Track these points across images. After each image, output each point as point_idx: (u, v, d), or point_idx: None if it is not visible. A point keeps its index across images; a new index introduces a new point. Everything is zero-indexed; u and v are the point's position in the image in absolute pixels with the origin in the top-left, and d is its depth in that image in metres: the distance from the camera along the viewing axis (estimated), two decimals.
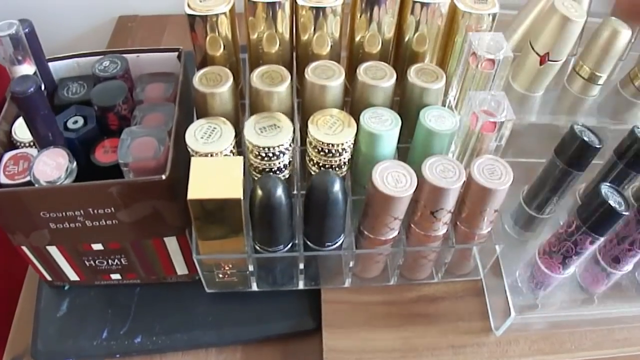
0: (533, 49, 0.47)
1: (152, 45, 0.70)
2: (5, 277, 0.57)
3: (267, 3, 0.39)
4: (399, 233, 0.43)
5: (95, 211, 0.39)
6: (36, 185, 0.38)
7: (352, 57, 0.44)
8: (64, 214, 0.39)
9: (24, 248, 0.43)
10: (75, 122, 0.43)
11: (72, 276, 0.47)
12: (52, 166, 0.39)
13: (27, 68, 0.42)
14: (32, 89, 0.37)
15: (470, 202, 0.41)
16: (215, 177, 0.36)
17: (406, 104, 0.43)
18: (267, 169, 0.40)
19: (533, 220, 0.50)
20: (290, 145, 0.39)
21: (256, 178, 0.40)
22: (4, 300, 0.52)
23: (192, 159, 0.37)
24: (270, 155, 0.39)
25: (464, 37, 0.44)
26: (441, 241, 0.44)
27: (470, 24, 0.42)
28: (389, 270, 0.48)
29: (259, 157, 0.39)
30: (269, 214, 0.38)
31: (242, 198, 0.35)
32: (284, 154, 0.39)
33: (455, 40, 0.44)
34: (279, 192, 0.37)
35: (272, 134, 0.38)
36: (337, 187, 0.37)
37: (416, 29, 0.42)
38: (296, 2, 0.39)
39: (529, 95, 0.51)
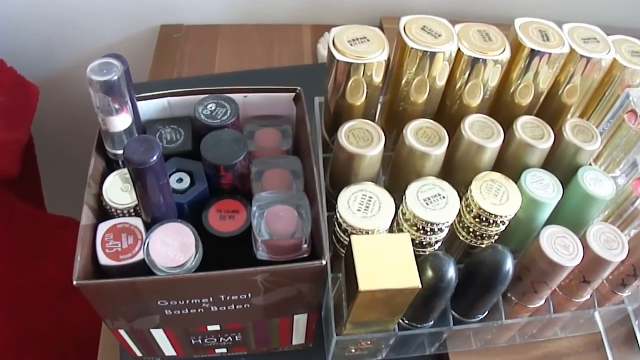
0: None
1: (205, 61, 0.62)
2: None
3: (426, 51, 0.33)
4: (545, 301, 0.39)
5: (228, 298, 0.33)
6: (159, 273, 0.31)
7: (498, 107, 0.39)
8: (187, 301, 0.33)
9: (121, 331, 0.36)
10: (180, 180, 0.36)
11: (169, 352, 0.40)
12: (175, 247, 0.32)
13: (125, 118, 0.34)
14: (154, 158, 0.29)
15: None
16: (383, 259, 0.31)
17: (555, 161, 0.38)
18: (417, 241, 0.35)
19: None
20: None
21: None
22: None
23: (353, 237, 0.31)
24: (430, 229, 0.33)
25: (611, 91, 0.39)
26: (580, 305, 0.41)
27: (623, 78, 0.38)
28: (518, 331, 0.44)
29: (414, 228, 0.34)
30: (436, 295, 0.33)
31: (420, 286, 0.30)
32: (442, 231, 0.34)
33: (605, 94, 0.39)
34: (451, 273, 0.32)
35: (439, 207, 0.33)
36: (509, 264, 0.33)
37: (569, 81, 0.37)
38: (459, 51, 0.33)
39: None
